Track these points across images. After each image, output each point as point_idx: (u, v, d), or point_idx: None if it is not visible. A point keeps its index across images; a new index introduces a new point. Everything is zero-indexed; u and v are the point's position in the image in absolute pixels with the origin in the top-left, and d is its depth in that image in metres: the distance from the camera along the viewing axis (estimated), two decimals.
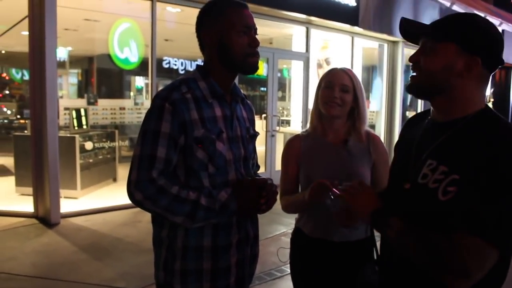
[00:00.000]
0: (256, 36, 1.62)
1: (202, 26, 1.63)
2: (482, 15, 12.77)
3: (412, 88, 1.34)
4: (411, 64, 1.33)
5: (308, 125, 2.14)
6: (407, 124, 1.55)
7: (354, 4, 8.32)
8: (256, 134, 1.80)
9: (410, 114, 11.13)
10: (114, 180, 7.45)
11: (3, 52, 13.13)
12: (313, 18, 7.92)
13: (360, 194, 1.42)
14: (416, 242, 1.22)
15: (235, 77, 1.69)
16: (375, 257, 1.68)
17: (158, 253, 1.65)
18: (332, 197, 1.59)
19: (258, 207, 1.58)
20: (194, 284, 1.58)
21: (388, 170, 1.79)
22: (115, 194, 6.54)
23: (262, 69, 8.46)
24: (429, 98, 1.33)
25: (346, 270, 1.97)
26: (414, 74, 1.32)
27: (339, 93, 1.97)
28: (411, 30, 1.35)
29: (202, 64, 1.68)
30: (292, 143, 2.11)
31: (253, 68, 1.62)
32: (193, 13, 1.88)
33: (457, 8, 11.27)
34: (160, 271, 1.64)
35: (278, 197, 1.72)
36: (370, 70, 10.64)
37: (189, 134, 1.52)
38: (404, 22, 1.33)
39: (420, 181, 1.27)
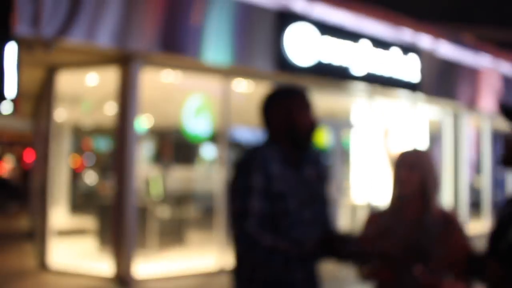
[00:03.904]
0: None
1: (270, 105, 1.90)
2: None
3: None
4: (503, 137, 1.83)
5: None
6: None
7: (417, 81, 8.44)
8: (324, 199, 1.97)
9: (477, 180, 10.74)
10: (185, 245, 7.79)
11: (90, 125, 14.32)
12: (375, 94, 8.19)
13: None
14: None
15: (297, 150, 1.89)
16: None
17: None
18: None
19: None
20: None
21: (462, 255, 1.99)
22: (185, 258, 6.86)
23: (324, 139, 8.66)
24: None
25: None
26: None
27: (403, 173, 2.06)
28: None
29: (268, 136, 1.92)
30: (372, 218, 2.25)
31: (310, 146, 1.90)
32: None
33: None
34: None
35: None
36: (433, 140, 10.56)
37: (271, 186, 1.75)
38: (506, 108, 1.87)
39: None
